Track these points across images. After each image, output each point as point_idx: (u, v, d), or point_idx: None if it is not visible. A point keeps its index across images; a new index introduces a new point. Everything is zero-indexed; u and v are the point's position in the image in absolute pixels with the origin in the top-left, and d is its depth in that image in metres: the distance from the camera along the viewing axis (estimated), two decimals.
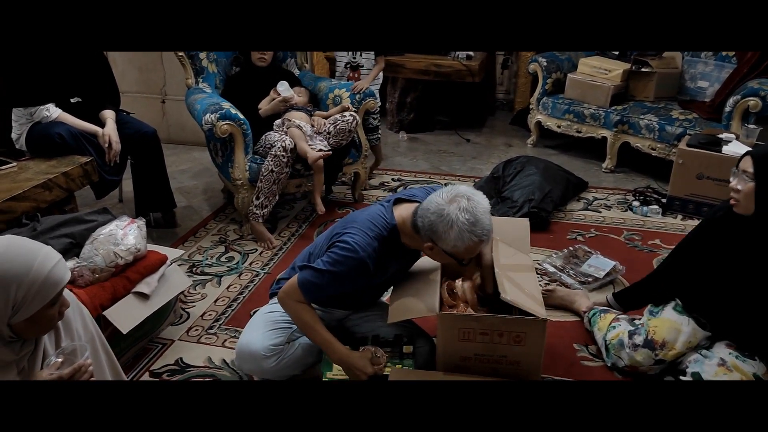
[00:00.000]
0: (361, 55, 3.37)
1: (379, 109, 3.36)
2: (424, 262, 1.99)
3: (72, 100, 2.66)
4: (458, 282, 1.88)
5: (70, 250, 1.93)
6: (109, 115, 2.69)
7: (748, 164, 1.70)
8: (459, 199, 1.56)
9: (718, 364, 1.78)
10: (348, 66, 3.39)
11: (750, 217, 1.72)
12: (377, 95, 3.27)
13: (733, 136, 3.00)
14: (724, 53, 3.56)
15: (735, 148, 2.90)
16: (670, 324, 1.88)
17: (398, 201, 1.75)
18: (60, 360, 1.29)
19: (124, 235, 1.97)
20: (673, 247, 2.70)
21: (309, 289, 1.69)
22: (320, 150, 2.74)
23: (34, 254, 1.24)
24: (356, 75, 3.37)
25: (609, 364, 2.01)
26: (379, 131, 3.51)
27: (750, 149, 1.78)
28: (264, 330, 1.81)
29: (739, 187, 1.71)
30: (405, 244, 1.72)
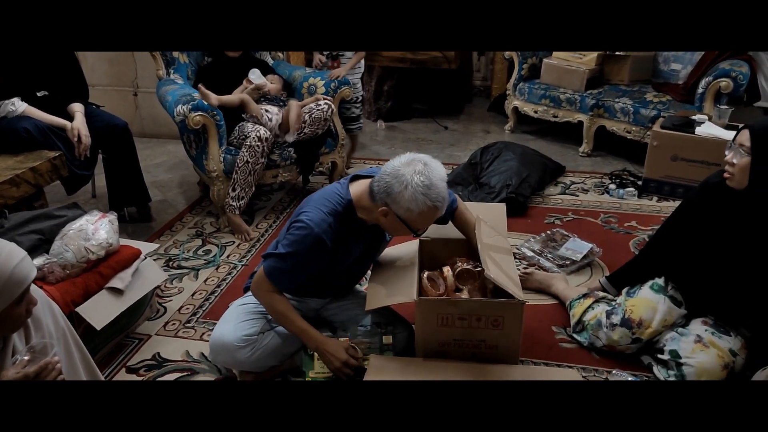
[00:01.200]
0: None
1: (361, 97, 3.35)
2: (401, 249, 1.99)
3: (38, 94, 2.59)
4: (446, 269, 1.86)
5: (40, 247, 1.89)
6: (77, 108, 2.63)
7: (745, 138, 1.68)
8: (416, 163, 1.58)
9: (695, 341, 1.80)
10: (328, 56, 3.34)
11: (742, 191, 1.72)
12: (360, 84, 3.26)
13: (706, 117, 3.03)
14: None
15: (708, 129, 2.93)
16: (646, 303, 1.89)
17: (356, 178, 1.74)
18: (26, 358, 1.26)
19: (95, 229, 1.93)
20: (649, 228, 2.76)
21: (275, 276, 1.68)
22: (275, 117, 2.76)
23: None
24: (336, 64, 3.31)
25: (585, 344, 2.03)
26: (362, 120, 3.50)
27: (748, 123, 1.74)
28: (236, 321, 1.80)
29: (734, 160, 1.70)
30: (363, 220, 1.70)
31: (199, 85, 2.70)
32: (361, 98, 3.45)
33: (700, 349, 1.79)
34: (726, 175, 1.75)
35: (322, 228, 1.62)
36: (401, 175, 1.56)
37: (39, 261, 1.82)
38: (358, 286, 2.06)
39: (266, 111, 2.76)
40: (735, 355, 1.78)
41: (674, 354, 1.82)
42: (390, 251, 2.00)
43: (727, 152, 1.74)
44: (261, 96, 2.85)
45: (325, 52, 3.34)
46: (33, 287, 1.30)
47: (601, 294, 2.10)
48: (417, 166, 1.56)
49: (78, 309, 1.83)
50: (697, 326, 1.85)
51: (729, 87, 3.10)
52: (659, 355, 1.87)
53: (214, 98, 2.70)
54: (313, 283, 1.80)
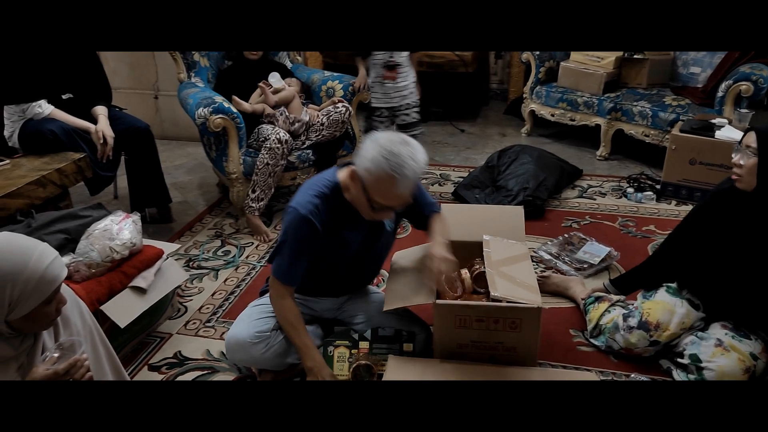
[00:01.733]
0: (399, 53, 3.19)
1: (418, 102, 3.29)
2: (418, 251, 2.00)
3: (63, 97, 2.65)
4: (464, 271, 1.87)
5: (66, 246, 1.93)
6: (101, 111, 2.68)
7: (751, 139, 1.70)
8: (399, 136, 1.59)
9: (715, 345, 1.80)
10: (385, 66, 3.20)
11: (752, 192, 1.72)
12: (414, 87, 3.24)
13: (726, 121, 3.01)
14: None
15: (728, 132, 2.91)
16: (663, 306, 1.89)
17: (348, 165, 1.74)
18: (56, 355, 1.28)
19: (120, 229, 1.97)
20: (667, 232, 2.74)
21: (278, 270, 1.72)
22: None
23: (29, 252, 1.24)
24: (394, 74, 3.20)
25: (602, 348, 2.02)
26: (420, 128, 3.37)
27: (754, 125, 1.76)
28: (250, 320, 1.83)
29: (741, 162, 1.71)
30: (349, 202, 1.69)
31: (234, 97, 2.77)
32: (418, 102, 3.34)
33: (721, 353, 1.78)
34: (734, 177, 1.75)
35: (308, 209, 1.64)
36: (378, 139, 1.58)
37: (65, 260, 1.86)
38: (375, 288, 2.08)
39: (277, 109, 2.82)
40: (756, 358, 1.77)
41: (695, 358, 1.81)
42: (407, 253, 2.02)
43: (734, 155, 1.75)
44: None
45: (379, 60, 3.16)
46: (62, 286, 1.33)
47: (616, 297, 2.10)
48: (396, 138, 1.58)
49: (102, 307, 1.87)
50: (717, 330, 1.84)
51: (749, 90, 3.08)
52: (679, 359, 1.87)
53: (248, 106, 2.81)
54: (318, 276, 1.81)
